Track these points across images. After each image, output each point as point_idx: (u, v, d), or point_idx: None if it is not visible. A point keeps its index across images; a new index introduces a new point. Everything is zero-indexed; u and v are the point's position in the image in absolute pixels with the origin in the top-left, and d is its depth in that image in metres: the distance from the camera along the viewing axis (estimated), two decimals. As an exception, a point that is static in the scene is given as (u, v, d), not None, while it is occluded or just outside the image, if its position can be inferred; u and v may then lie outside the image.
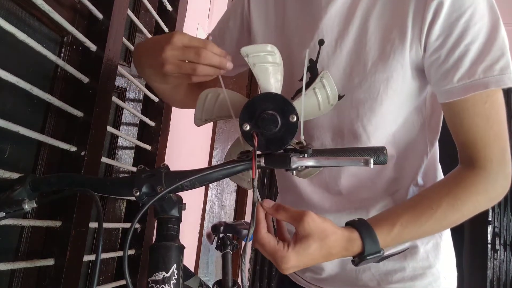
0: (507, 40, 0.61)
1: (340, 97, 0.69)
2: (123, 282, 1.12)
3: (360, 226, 0.58)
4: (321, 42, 0.68)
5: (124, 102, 1.15)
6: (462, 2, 0.60)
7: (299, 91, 0.71)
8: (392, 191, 0.74)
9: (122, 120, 1.17)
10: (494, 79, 0.59)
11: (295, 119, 0.53)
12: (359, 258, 0.58)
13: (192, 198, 1.80)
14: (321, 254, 0.56)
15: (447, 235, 0.78)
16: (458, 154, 0.66)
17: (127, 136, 1.12)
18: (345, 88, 0.68)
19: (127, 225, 1.16)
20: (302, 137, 0.59)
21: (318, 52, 0.68)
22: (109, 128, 0.97)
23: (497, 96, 0.61)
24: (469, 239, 2.58)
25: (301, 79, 0.71)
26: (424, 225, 0.61)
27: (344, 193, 0.75)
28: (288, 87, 0.72)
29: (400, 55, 0.64)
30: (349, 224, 0.59)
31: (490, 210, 2.56)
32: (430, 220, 0.61)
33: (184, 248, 0.59)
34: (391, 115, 0.69)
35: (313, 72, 0.71)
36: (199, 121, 0.62)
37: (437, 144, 0.76)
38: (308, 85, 0.64)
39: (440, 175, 0.79)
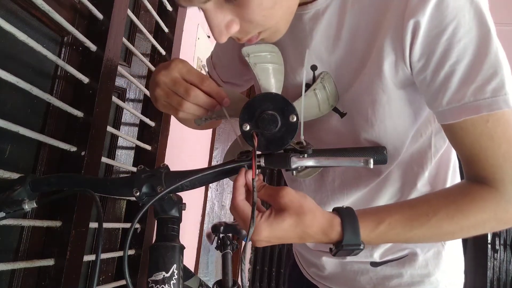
0: (502, 54, 0.54)
1: (343, 115, 0.67)
2: (123, 282, 1.12)
3: (345, 214, 0.55)
4: (314, 68, 0.66)
5: (124, 102, 1.15)
6: (442, 17, 0.53)
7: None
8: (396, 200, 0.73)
9: (122, 120, 1.17)
10: (486, 103, 0.53)
11: (295, 119, 0.53)
12: (335, 247, 0.55)
13: (192, 198, 1.80)
14: (295, 231, 0.53)
15: (452, 243, 0.76)
16: (463, 169, 0.61)
17: (127, 136, 1.12)
18: (345, 105, 0.66)
19: (127, 225, 1.16)
20: (302, 137, 0.59)
21: (313, 77, 0.67)
22: (109, 128, 0.97)
23: (502, 114, 0.54)
24: (470, 239, 2.58)
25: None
26: (414, 231, 0.56)
27: (350, 199, 0.75)
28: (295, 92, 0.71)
29: (378, 78, 0.60)
30: (335, 210, 0.57)
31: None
32: (422, 227, 0.56)
33: (184, 248, 0.59)
34: (391, 134, 0.65)
35: None
36: (199, 121, 0.62)
37: (446, 145, 0.72)
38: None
39: (455, 178, 0.75)
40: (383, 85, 0.60)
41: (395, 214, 0.56)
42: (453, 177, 0.75)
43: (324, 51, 0.64)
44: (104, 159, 0.97)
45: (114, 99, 0.99)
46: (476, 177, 0.58)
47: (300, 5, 0.62)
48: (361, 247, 0.54)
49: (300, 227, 0.53)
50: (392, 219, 0.56)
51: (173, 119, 1.33)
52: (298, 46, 0.67)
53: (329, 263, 0.80)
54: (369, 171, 0.71)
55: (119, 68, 0.99)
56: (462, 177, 0.64)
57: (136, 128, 1.24)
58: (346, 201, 0.75)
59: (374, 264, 0.76)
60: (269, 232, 0.53)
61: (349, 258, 0.78)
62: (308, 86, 0.65)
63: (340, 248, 0.54)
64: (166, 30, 1.28)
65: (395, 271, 0.74)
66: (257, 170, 0.54)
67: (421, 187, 0.71)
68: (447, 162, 0.74)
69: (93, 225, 0.92)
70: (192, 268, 1.88)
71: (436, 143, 0.70)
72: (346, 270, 0.78)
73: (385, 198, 0.73)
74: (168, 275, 0.55)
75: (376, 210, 0.58)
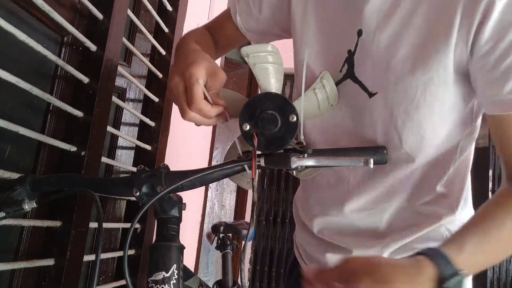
0: None
1: (371, 95, 0.64)
2: (123, 282, 1.12)
3: (424, 251, 0.50)
4: (360, 33, 0.63)
5: (124, 102, 1.15)
6: None
7: (338, 83, 0.67)
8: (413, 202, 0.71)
9: (122, 120, 1.17)
10: None
11: (295, 119, 0.53)
12: (438, 284, 0.48)
13: (192, 198, 1.80)
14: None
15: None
16: (504, 170, 0.60)
17: (127, 136, 1.12)
18: (378, 85, 0.63)
19: (127, 225, 1.16)
20: (302, 137, 0.59)
21: (356, 44, 0.63)
22: (109, 128, 0.97)
23: None
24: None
25: (341, 70, 0.67)
26: (497, 244, 0.54)
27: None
28: (332, 75, 0.68)
29: (444, 55, 0.57)
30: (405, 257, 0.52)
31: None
32: (500, 238, 0.54)
33: (184, 248, 0.59)
34: (430, 123, 0.63)
35: (349, 64, 0.66)
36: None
37: (470, 149, 0.71)
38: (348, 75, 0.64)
39: (469, 184, 0.73)
40: (446, 63, 0.58)
41: (468, 233, 0.55)
42: (468, 184, 0.73)
43: (376, 18, 0.61)
44: (104, 159, 0.97)
45: (114, 99, 0.99)
46: None
47: None
48: (462, 274, 0.49)
49: (380, 285, 0.45)
50: (469, 236, 0.54)
51: (173, 119, 1.33)
52: (350, 8, 0.64)
53: (333, 260, 0.77)
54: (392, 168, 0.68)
55: (119, 68, 0.99)
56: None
57: (136, 128, 1.24)
58: (364, 198, 0.72)
59: None
60: None
61: (355, 254, 0.75)
62: (349, 52, 0.64)
63: (443, 282, 0.47)
64: (166, 30, 1.28)
65: None
66: (257, 170, 0.54)
67: (439, 189, 0.69)
68: (465, 168, 0.71)
69: (93, 225, 0.92)
70: (192, 268, 1.88)
71: (463, 147, 0.68)
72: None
73: (401, 198, 0.71)
74: (168, 275, 0.55)
75: (448, 239, 0.56)
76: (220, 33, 0.85)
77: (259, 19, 0.79)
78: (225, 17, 0.83)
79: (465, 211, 0.73)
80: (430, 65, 0.58)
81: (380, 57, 0.62)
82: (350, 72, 0.66)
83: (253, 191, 0.52)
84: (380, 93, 0.63)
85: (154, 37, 1.23)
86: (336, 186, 0.75)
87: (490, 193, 2.47)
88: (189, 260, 1.82)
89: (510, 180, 0.59)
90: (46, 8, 0.76)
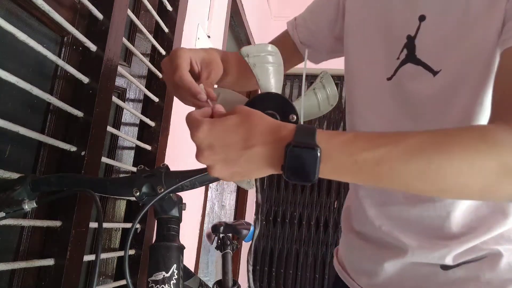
0: None
1: (435, 73, 0.63)
2: (123, 282, 1.12)
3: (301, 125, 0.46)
4: (422, 18, 0.64)
5: (124, 102, 1.15)
6: None
7: (397, 70, 0.67)
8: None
9: (122, 120, 1.17)
10: None
11: (295, 119, 0.53)
12: (285, 149, 0.43)
13: (192, 198, 1.80)
14: (239, 132, 0.45)
15: None
16: (495, 110, 0.54)
17: (127, 136, 1.12)
18: (443, 62, 0.63)
19: (127, 225, 1.16)
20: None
21: (418, 28, 0.64)
22: (109, 128, 0.97)
23: None
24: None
25: (399, 57, 0.68)
26: (384, 146, 0.43)
27: None
28: (387, 66, 0.68)
29: (499, 20, 0.56)
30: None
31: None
32: (404, 148, 0.43)
33: (184, 248, 0.59)
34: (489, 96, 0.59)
35: (409, 48, 0.66)
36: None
37: None
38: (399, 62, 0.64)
39: None
40: (498, 28, 0.57)
41: (366, 132, 0.46)
42: None
43: (439, 1, 0.62)
44: (104, 159, 0.97)
45: (114, 99, 0.99)
46: (502, 116, 0.50)
47: None
48: (316, 150, 0.43)
49: (245, 126, 0.45)
50: (360, 134, 0.46)
51: (173, 119, 1.33)
52: None
53: (391, 267, 0.69)
54: None
55: (119, 68, 0.99)
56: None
57: (136, 128, 1.24)
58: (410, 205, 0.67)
59: (445, 267, 0.65)
60: (209, 129, 0.45)
61: (415, 259, 0.67)
62: (409, 38, 0.65)
63: (289, 148, 0.43)
64: (166, 30, 1.28)
65: (470, 273, 0.63)
66: None
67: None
68: None
69: (93, 225, 0.92)
70: (192, 268, 1.88)
71: None
72: (408, 275, 0.68)
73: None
74: (168, 275, 0.55)
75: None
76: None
77: (315, 32, 0.83)
78: (282, 36, 0.88)
79: None
80: (494, 40, 0.57)
81: (444, 36, 0.62)
82: (411, 56, 0.66)
83: (256, 192, 0.52)
84: (444, 69, 0.62)
85: (154, 37, 1.23)
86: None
87: None
88: (189, 260, 1.82)
89: (491, 122, 0.52)
90: (46, 8, 0.76)
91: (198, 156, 0.47)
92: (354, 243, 0.78)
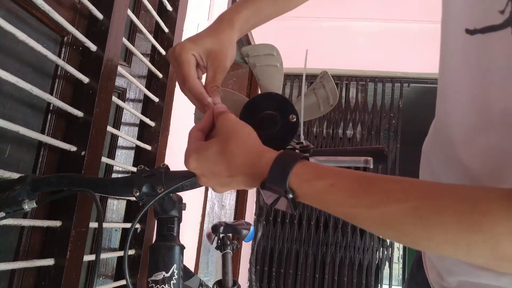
0: None
1: None
2: (123, 282, 1.12)
3: (284, 153, 0.45)
4: None
5: (124, 102, 1.15)
6: None
7: (492, 28, 0.48)
8: None
9: (122, 120, 1.17)
10: None
11: (295, 119, 0.53)
12: (260, 186, 0.44)
13: (192, 198, 1.80)
14: (219, 161, 0.45)
15: None
16: None
17: (127, 136, 1.12)
18: None
19: (127, 225, 1.16)
20: (302, 137, 0.59)
21: None
22: (109, 128, 0.97)
23: None
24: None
25: (503, 11, 0.55)
26: (359, 208, 0.40)
27: None
28: (485, 19, 0.49)
29: None
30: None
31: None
32: (373, 208, 0.39)
33: (184, 248, 0.59)
34: None
35: None
36: (198, 121, 0.62)
37: None
38: None
39: None
40: None
41: (347, 178, 0.42)
42: None
43: None
44: (104, 159, 0.97)
45: (114, 99, 0.99)
46: None
47: None
48: (288, 194, 0.43)
49: (225, 157, 0.45)
50: (340, 182, 0.42)
51: (173, 119, 1.33)
52: None
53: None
54: None
55: (119, 68, 0.99)
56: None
57: (136, 128, 1.24)
58: None
59: None
60: (195, 160, 0.47)
61: (491, 282, 0.54)
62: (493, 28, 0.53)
63: (263, 187, 0.44)
64: (166, 30, 1.28)
65: None
66: None
67: None
68: None
69: (93, 225, 0.92)
70: (192, 268, 1.88)
71: None
72: None
73: None
74: (168, 275, 0.55)
75: (328, 167, 0.45)
76: None
77: None
78: None
79: None
80: None
81: None
82: None
83: (259, 193, 0.51)
84: None
85: (154, 37, 1.23)
86: None
87: None
88: (189, 260, 1.81)
89: None
90: (46, 8, 0.76)
91: (198, 181, 0.50)
92: None
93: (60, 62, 0.82)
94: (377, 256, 2.87)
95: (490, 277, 0.53)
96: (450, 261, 0.58)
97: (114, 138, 1.15)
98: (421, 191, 0.39)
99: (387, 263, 2.86)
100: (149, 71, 1.25)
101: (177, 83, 1.31)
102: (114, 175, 1.14)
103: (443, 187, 0.39)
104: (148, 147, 1.22)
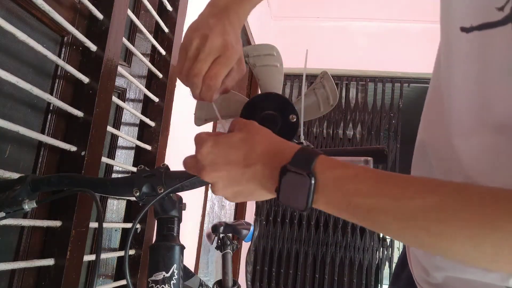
0: None
1: None
2: (123, 282, 1.12)
3: (307, 147, 0.45)
4: None
5: (124, 102, 1.15)
6: None
7: (490, 25, 0.49)
8: None
9: (122, 120, 1.17)
10: None
11: (295, 119, 0.53)
12: (279, 173, 0.42)
13: (192, 198, 1.80)
14: (242, 149, 0.45)
15: None
16: None
17: (127, 136, 1.12)
18: None
19: (127, 225, 1.16)
20: (302, 137, 0.59)
21: None
22: (109, 128, 0.97)
23: None
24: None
25: (502, 8, 0.53)
26: (383, 200, 0.38)
27: None
28: (482, 16, 0.49)
29: None
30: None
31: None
32: (394, 201, 0.38)
33: (184, 248, 0.59)
34: None
35: None
36: (199, 121, 0.62)
37: None
38: None
39: None
40: None
41: (371, 171, 0.41)
42: None
43: None
44: (104, 159, 0.97)
45: (114, 99, 0.99)
46: None
47: None
48: (309, 178, 0.40)
49: (249, 143, 0.45)
50: (363, 173, 0.41)
51: (173, 119, 1.33)
52: None
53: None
54: None
55: (119, 68, 0.99)
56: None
57: (136, 128, 1.24)
58: None
59: None
60: (213, 145, 0.46)
61: (478, 278, 0.54)
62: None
63: (284, 172, 0.42)
64: (166, 30, 1.28)
65: None
66: None
67: None
68: None
69: (93, 225, 0.92)
70: (192, 268, 1.88)
71: None
72: None
73: None
74: (168, 275, 0.55)
75: (351, 163, 0.44)
76: None
77: None
78: None
79: None
80: None
81: None
82: None
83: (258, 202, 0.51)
84: None
85: (154, 37, 1.23)
86: None
87: None
88: (189, 260, 1.81)
89: None
90: (46, 8, 0.76)
91: (201, 172, 0.47)
92: None
93: (60, 62, 0.82)
94: (377, 256, 2.87)
95: (477, 273, 0.53)
96: (437, 257, 0.57)
97: (114, 138, 1.15)
98: (447, 189, 0.38)
99: (387, 263, 2.86)
100: (149, 71, 1.25)
101: (177, 83, 1.32)
102: (114, 175, 1.14)
103: (469, 187, 0.38)
104: (148, 147, 1.22)
